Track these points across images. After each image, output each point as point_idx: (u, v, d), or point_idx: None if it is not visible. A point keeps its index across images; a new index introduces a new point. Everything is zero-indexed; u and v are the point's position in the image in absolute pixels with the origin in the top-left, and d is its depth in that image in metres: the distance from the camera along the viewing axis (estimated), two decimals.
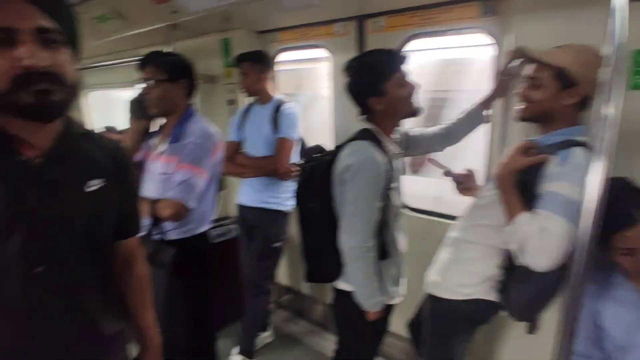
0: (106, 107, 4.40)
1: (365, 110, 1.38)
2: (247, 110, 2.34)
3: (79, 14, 2.25)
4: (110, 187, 0.89)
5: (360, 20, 2.00)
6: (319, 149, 1.65)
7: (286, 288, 2.95)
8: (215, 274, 1.79)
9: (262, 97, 2.24)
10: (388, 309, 1.47)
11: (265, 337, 2.55)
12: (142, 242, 1.11)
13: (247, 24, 2.38)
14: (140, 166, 1.65)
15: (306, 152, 1.64)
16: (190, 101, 1.69)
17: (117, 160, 0.94)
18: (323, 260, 1.43)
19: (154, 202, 1.50)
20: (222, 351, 2.04)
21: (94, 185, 0.85)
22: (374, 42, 1.99)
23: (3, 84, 0.67)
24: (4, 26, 0.66)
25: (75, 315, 0.84)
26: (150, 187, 1.60)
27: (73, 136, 0.84)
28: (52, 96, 0.71)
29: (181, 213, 1.49)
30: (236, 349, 2.35)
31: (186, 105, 1.66)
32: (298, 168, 2.21)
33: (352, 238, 1.30)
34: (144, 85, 1.58)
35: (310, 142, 2.40)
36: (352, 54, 1.60)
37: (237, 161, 2.26)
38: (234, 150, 2.30)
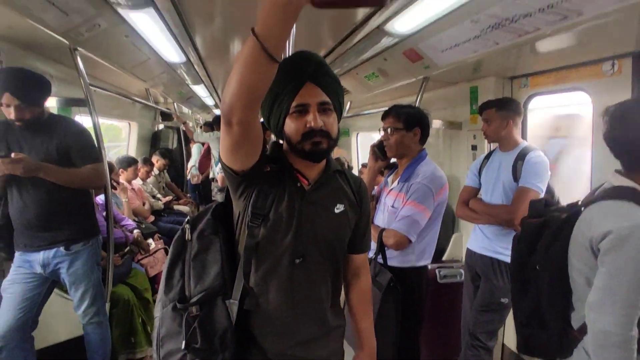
0: (367, 148, 5.24)
1: (633, 164, 1.16)
2: (489, 156, 2.32)
3: (355, 74, 2.87)
4: (350, 211, 1.16)
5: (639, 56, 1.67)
6: (547, 202, 1.46)
7: (514, 354, 2.62)
8: (433, 311, 1.87)
9: (506, 143, 2.18)
10: None
11: None
12: (368, 261, 1.35)
13: (496, 71, 2.39)
14: (375, 199, 1.96)
15: (533, 204, 1.46)
16: (422, 146, 1.89)
17: (358, 191, 1.22)
18: (544, 330, 1.25)
19: (382, 230, 1.75)
20: None
21: (340, 208, 1.14)
22: None
23: (296, 138, 1.04)
24: (303, 102, 1.02)
25: (315, 299, 1.13)
26: (380, 217, 1.88)
27: (330, 172, 1.15)
28: (322, 145, 1.04)
29: (402, 244, 1.69)
30: None
31: (418, 150, 1.87)
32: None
33: (607, 320, 1.05)
34: (383, 132, 1.90)
35: (563, 196, 2.13)
36: (623, 96, 1.37)
37: (471, 206, 2.27)
38: (470, 195, 2.31)
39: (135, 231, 3.19)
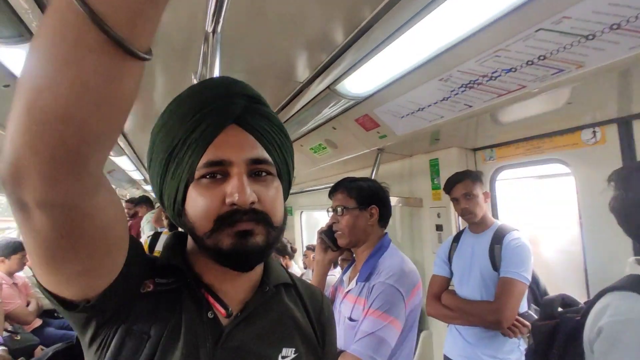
0: (312, 227, 4.79)
1: None
2: (458, 238, 1.97)
3: (300, 146, 2.49)
4: (308, 357, 0.66)
5: (626, 123, 1.47)
6: (564, 301, 1.17)
7: None
8: None
9: (477, 223, 1.85)
10: None
11: None
12: None
13: (458, 141, 2.15)
14: None
15: (546, 304, 1.20)
16: (383, 230, 1.48)
17: (319, 318, 0.73)
18: None
19: (337, 354, 1.22)
20: None
21: (288, 355, 0.63)
22: None
23: (206, 224, 0.56)
24: (220, 159, 0.56)
25: None
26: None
27: (270, 287, 0.66)
28: (254, 239, 0.56)
29: None
30: None
31: (378, 235, 1.45)
32: (528, 324, 1.63)
33: None
34: (332, 213, 1.49)
35: (550, 289, 1.80)
36: (611, 166, 1.14)
37: (444, 301, 1.84)
38: (441, 288, 1.91)
39: (0, 349, 2.30)
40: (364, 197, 1.44)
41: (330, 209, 1.51)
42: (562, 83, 1.16)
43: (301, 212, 4.80)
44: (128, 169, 5.06)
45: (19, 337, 2.59)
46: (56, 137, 0.35)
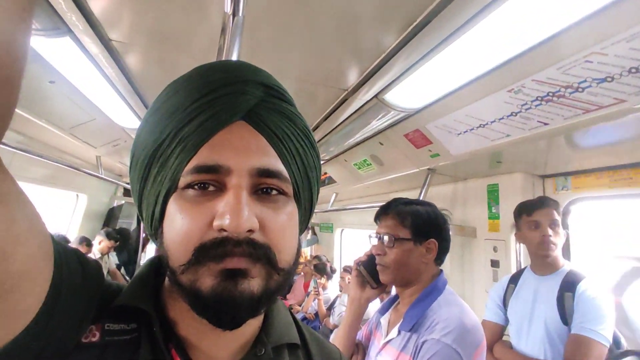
0: (356, 245, 4.57)
1: None
2: (517, 278, 1.68)
3: (343, 161, 2.31)
4: None
5: None
6: None
7: None
8: None
9: (545, 263, 1.56)
10: None
11: None
12: None
13: (524, 166, 1.87)
14: (361, 351, 1.23)
15: None
16: (439, 268, 1.21)
17: None
18: None
19: None
20: None
21: None
22: None
23: (184, 254, 0.39)
24: (214, 164, 0.40)
25: None
26: None
27: (268, 352, 0.48)
28: (245, 285, 0.39)
29: None
30: None
31: (432, 274, 1.18)
32: None
33: None
34: (376, 242, 1.22)
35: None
36: None
37: (497, 355, 1.55)
38: (494, 337, 1.63)
39: None
40: (422, 228, 1.17)
41: (374, 235, 1.24)
42: None
43: (342, 230, 4.59)
44: None
45: None
46: None
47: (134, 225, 5.13)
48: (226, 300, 0.38)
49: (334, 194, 3.63)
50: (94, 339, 0.42)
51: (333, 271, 4.01)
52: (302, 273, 4.41)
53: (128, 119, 2.35)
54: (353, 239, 4.61)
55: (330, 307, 3.69)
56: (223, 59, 0.87)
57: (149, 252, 4.90)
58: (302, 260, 5.08)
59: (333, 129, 2.01)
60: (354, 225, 4.19)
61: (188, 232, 0.39)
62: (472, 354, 0.97)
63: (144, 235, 4.90)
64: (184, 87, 0.43)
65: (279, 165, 0.43)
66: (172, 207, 0.41)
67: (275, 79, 0.46)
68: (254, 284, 0.39)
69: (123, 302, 0.44)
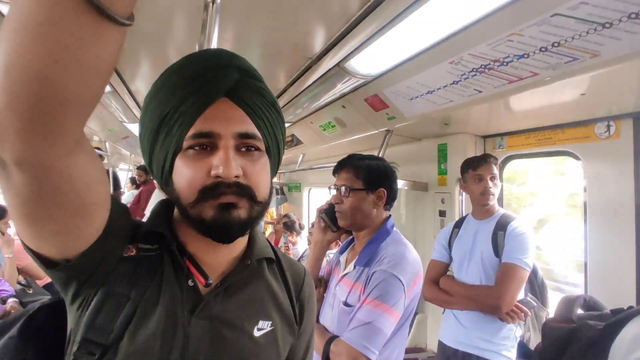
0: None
1: None
2: (460, 224, 1.96)
3: (310, 123, 2.47)
4: (282, 331, 0.68)
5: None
6: (587, 302, 1.11)
7: None
8: None
9: (483, 210, 1.84)
10: None
11: None
12: None
13: (468, 128, 2.11)
14: (323, 283, 1.46)
15: (564, 304, 1.14)
16: (388, 214, 1.42)
17: (299, 295, 0.74)
18: None
19: (330, 338, 1.21)
20: None
21: (264, 327, 0.65)
22: None
23: (191, 194, 0.57)
24: (208, 130, 0.57)
25: None
26: (328, 315, 1.34)
27: (253, 260, 0.68)
28: (237, 212, 0.57)
29: None
30: None
31: (382, 218, 1.38)
32: (526, 310, 1.64)
33: None
34: (334, 192, 1.41)
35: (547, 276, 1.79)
36: (622, 162, 1.11)
37: (442, 286, 1.85)
38: (440, 272, 1.91)
39: (11, 300, 2.41)
40: (373, 178, 1.34)
41: (332, 187, 1.43)
42: (576, 72, 1.12)
43: (309, 189, 4.82)
44: None
45: (31, 291, 2.72)
46: (33, 97, 0.36)
47: None
48: (223, 223, 0.57)
49: (302, 155, 3.81)
50: (132, 254, 0.60)
51: (302, 228, 4.26)
52: (273, 230, 4.64)
53: None
54: (320, 198, 4.85)
55: (299, 260, 3.97)
56: (206, 32, 1.00)
57: None
58: (271, 219, 5.31)
59: (299, 94, 2.15)
60: (321, 184, 4.42)
61: (193, 179, 0.57)
62: (411, 281, 1.21)
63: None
64: (178, 72, 0.59)
65: (254, 130, 0.60)
66: (179, 163, 0.58)
67: (248, 63, 0.62)
68: (242, 212, 0.58)
69: (148, 228, 0.62)
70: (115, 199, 0.59)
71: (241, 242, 0.67)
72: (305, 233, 4.29)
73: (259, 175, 0.60)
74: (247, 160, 0.59)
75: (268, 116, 0.62)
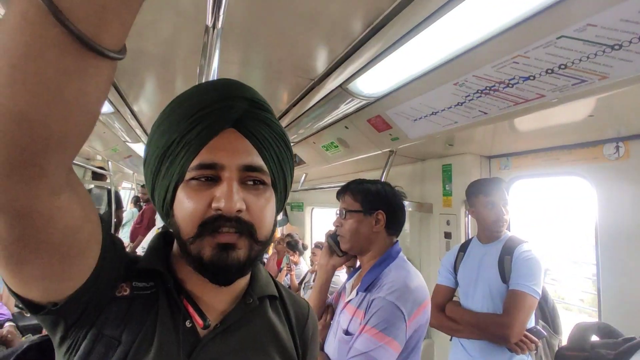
0: (326, 224, 4.77)
1: None
2: (465, 247, 1.91)
3: (312, 143, 2.46)
4: None
5: None
6: (601, 330, 1.07)
7: None
8: None
9: (492, 235, 1.79)
10: None
11: None
12: None
13: (473, 148, 2.08)
14: (331, 311, 1.41)
15: (578, 332, 1.10)
16: (394, 238, 1.39)
17: (303, 336, 0.71)
18: None
19: None
20: None
21: None
22: None
23: (190, 229, 0.54)
24: (212, 162, 0.54)
25: None
26: (331, 343, 1.29)
27: (254, 299, 0.64)
28: (236, 253, 0.54)
29: None
30: None
31: (387, 244, 1.36)
32: (536, 340, 1.57)
33: None
34: (337, 216, 1.41)
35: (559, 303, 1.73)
36: (635, 184, 1.08)
37: (449, 313, 1.79)
38: (445, 298, 1.85)
39: (8, 324, 2.36)
40: (370, 202, 1.34)
41: (337, 212, 1.43)
42: (584, 94, 1.10)
43: (312, 209, 4.78)
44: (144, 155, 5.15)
45: (28, 315, 2.66)
46: (9, 138, 0.33)
47: (103, 210, 5.09)
48: (221, 266, 0.54)
49: (304, 174, 3.79)
50: (125, 293, 0.56)
51: (305, 248, 4.21)
52: (275, 250, 4.57)
53: None
54: (322, 217, 4.81)
55: (302, 282, 3.90)
56: (206, 54, 0.99)
57: (122, 236, 4.91)
58: (274, 238, 5.25)
59: (302, 114, 2.14)
60: (323, 204, 4.39)
61: (194, 212, 0.54)
62: (412, 310, 1.15)
63: (115, 220, 4.91)
64: (186, 102, 0.57)
65: (260, 162, 0.57)
66: (181, 194, 0.55)
67: (258, 94, 0.60)
68: (241, 253, 0.54)
69: (144, 266, 0.59)
70: (111, 234, 0.56)
71: (242, 281, 0.64)
72: (308, 253, 4.22)
73: (263, 210, 0.57)
74: (252, 194, 0.56)
75: (275, 149, 0.60)
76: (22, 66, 0.31)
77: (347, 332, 1.22)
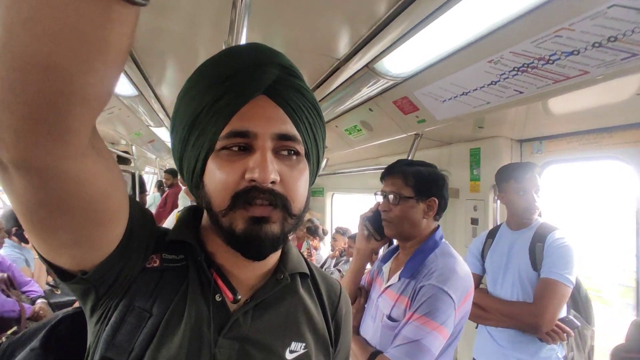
0: (346, 209, 4.75)
1: None
2: (494, 234, 1.85)
3: (334, 127, 2.41)
4: (317, 354, 0.62)
5: None
6: None
7: None
8: None
9: (522, 221, 1.73)
10: None
11: None
12: None
13: (504, 131, 2.00)
14: (363, 293, 1.39)
15: (638, 329, 1.03)
16: (437, 224, 1.34)
17: (336, 317, 0.68)
18: None
19: (372, 355, 1.14)
20: None
21: (297, 350, 0.59)
22: None
23: (223, 201, 0.52)
24: (244, 130, 0.51)
25: None
26: (370, 327, 1.27)
27: (285, 276, 0.62)
28: (269, 228, 0.52)
29: None
30: None
31: (431, 229, 1.31)
32: (569, 330, 1.51)
33: None
34: (382, 199, 1.34)
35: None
36: None
37: (476, 300, 1.74)
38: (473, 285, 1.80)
39: (40, 301, 2.45)
40: (423, 186, 1.27)
41: (379, 193, 1.36)
42: (635, 70, 1.01)
43: (332, 195, 4.75)
44: (167, 140, 5.22)
45: (59, 292, 2.76)
46: (34, 89, 0.31)
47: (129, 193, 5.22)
48: (254, 240, 0.51)
49: (325, 159, 3.75)
50: (155, 265, 0.55)
51: (325, 233, 4.20)
52: (295, 235, 4.60)
53: (123, 87, 2.38)
54: (343, 203, 4.79)
55: (322, 267, 3.91)
56: (234, 31, 0.96)
57: None
58: None
59: (325, 97, 2.09)
60: (344, 190, 4.35)
61: (226, 183, 0.51)
62: (462, 297, 1.12)
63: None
64: (214, 68, 0.54)
65: (294, 131, 0.54)
66: (212, 164, 0.53)
67: (289, 60, 0.57)
68: (274, 227, 0.52)
69: (174, 238, 0.57)
70: (139, 205, 0.55)
71: (273, 257, 0.61)
72: (328, 238, 4.22)
73: (297, 182, 0.54)
74: (286, 165, 0.53)
75: (308, 117, 0.57)
76: (42, 8, 0.29)
77: (390, 318, 1.19)
